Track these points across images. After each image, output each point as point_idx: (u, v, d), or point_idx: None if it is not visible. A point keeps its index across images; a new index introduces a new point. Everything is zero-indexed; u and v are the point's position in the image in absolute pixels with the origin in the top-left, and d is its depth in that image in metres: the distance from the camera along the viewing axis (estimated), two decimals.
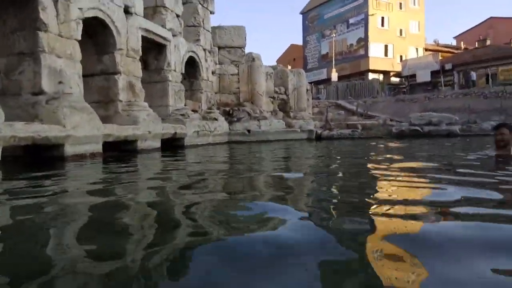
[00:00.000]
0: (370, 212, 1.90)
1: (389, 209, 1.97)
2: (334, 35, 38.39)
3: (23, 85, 5.59)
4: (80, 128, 5.82)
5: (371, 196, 2.37)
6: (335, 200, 2.33)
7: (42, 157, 5.62)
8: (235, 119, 11.69)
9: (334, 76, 35.56)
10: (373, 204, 2.10)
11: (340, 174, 3.65)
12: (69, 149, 5.68)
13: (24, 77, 5.57)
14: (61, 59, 5.84)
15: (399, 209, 1.98)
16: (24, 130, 4.94)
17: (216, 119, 10.67)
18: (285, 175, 3.51)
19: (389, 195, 2.40)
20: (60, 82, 5.80)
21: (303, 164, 5.01)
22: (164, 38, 8.78)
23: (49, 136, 5.30)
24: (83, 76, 7.08)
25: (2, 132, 4.51)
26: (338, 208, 2.09)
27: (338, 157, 6.06)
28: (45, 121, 5.52)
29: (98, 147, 6.29)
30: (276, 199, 2.31)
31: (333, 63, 37.26)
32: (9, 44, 5.52)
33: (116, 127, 6.76)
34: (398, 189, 2.62)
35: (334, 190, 2.68)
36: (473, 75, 27.95)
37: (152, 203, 2.42)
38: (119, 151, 7.11)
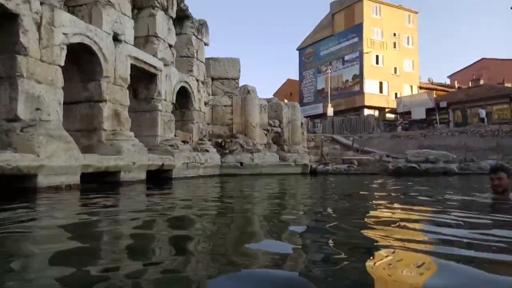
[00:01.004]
0: None
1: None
2: (330, 71, 39.00)
3: None
4: (55, 158, 5.44)
5: None
6: None
7: (13, 188, 5.21)
8: (228, 151, 11.34)
9: (330, 111, 35.73)
10: None
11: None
12: (42, 180, 5.28)
13: (0, 103, 5.25)
14: (41, 84, 5.55)
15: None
16: None
17: (207, 151, 10.32)
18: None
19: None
20: (37, 109, 5.47)
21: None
22: (155, 67, 8.59)
23: (20, 166, 4.91)
24: (67, 103, 6.79)
25: None
26: None
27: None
28: (19, 149, 5.16)
29: (75, 179, 5.88)
30: None
31: (329, 98, 37.58)
32: None
33: (96, 158, 6.38)
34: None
35: None
36: (482, 112, 27.73)
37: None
38: (100, 183, 6.69)
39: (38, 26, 5.40)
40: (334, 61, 40.18)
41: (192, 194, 6.12)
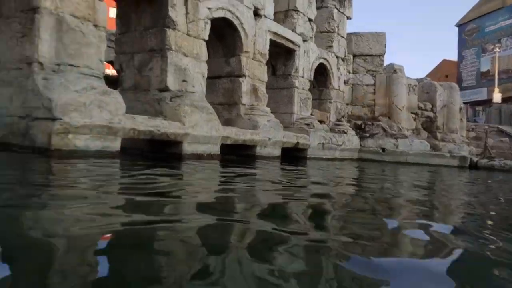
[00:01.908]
0: None
1: None
2: (499, 50, 32.64)
3: (152, 81, 5.80)
4: (198, 127, 5.71)
5: None
6: None
7: (164, 154, 5.68)
8: (368, 135, 10.46)
9: (497, 97, 29.99)
10: None
11: None
12: (187, 148, 5.60)
13: (153, 74, 5.76)
14: (187, 57, 5.88)
15: None
16: (144, 124, 4.98)
17: (345, 132, 9.70)
18: None
19: None
20: (184, 81, 5.83)
21: None
22: (293, 43, 8.36)
23: (167, 132, 5.28)
24: (212, 77, 7.14)
25: (122, 124, 4.58)
26: None
27: None
28: (168, 117, 5.57)
29: (216, 149, 6.10)
30: None
31: (496, 82, 31.58)
32: (143, 41, 5.81)
33: (235, 130, 6.52)
34: None
35: None
36: None
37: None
38: (237, 156, 6.86)
39: (185, 0, 5.69)
40: (504, 38, 33.49)
41: (327, 175, 5.71)
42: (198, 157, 5.77)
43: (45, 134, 3.86)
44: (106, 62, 9.44)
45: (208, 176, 4.04)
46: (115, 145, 4.48)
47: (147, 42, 5.73)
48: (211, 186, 3.26)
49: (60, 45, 4.24)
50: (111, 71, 11.64)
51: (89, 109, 4.18)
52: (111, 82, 7.83)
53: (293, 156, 7.99)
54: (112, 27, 7.42)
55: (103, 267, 1.06)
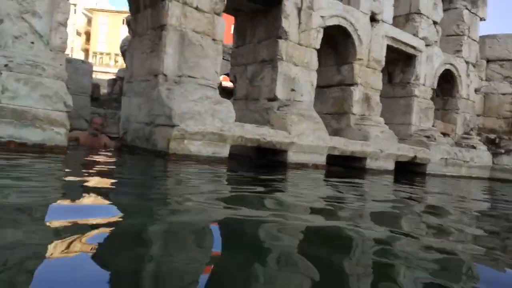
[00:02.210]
0: None
1: None
2: None
3: (262, 90, 5.96)
4: (304, 137, 5.64)
5: None
6: None
7: (269, 161, 5.78)
8: (503, 151, 8.98)
9: None
10: None
11: None
12: (292, 157, 5.58)
13: (263, 83, 5.92)
14: (297, 67, 5.89)
15: None
16: (252, 132, 5.13)
17: (474, 147, 8.51)
18: None
19: None
20: (292, 90, 5.84)
21: None
22: (414, 48, 7.67)
23: (273, 141, 5.35)
24: (322, 86, 7.02)
25: (231, 131, 4.80)
26: None
27: None
28: (275, 126, 5.66)
29: (322, 159, 5.95)
30: None
31: None
32: (256, 53, 6.02)
33: (343, 141, 6.26)
34: None
35: None
36: None
37: None
38: (344, 167, 6.57)
39: (299, 10, 5.72)
40: None
41: (450, 191, 5.06)
42: (303, 166, 5.68)
43: (164, 139, 4.26)
44: (224, 74, 10.13)
45: (314, 184, 3.96)
46: (224, 151, 4.71)
47: (260, 53, 5.92)
48: (318, 193, 3.20)
49: (181, 58, 4.66)
50: (228, 83, 12.44)
51: (203, 117, 4.48)
52: (228, 93, 8.36)
53: (409, 171, 7.32)
54: (231, 42, 7.89)
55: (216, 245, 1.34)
